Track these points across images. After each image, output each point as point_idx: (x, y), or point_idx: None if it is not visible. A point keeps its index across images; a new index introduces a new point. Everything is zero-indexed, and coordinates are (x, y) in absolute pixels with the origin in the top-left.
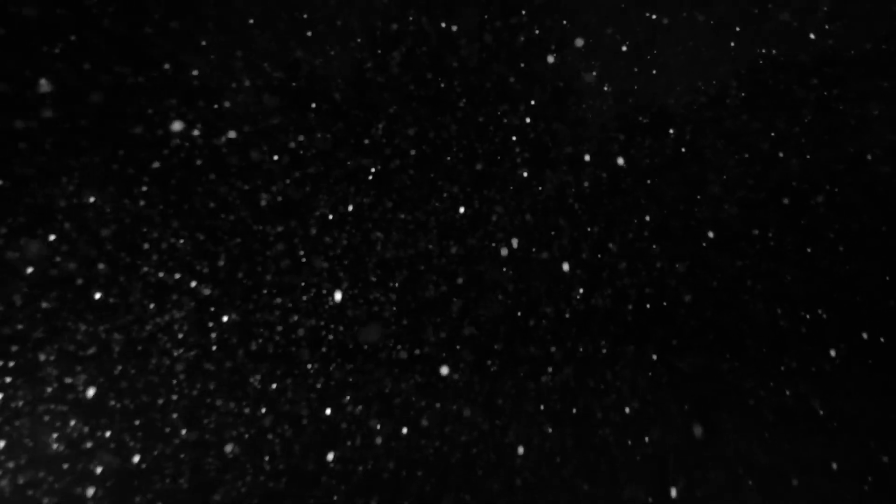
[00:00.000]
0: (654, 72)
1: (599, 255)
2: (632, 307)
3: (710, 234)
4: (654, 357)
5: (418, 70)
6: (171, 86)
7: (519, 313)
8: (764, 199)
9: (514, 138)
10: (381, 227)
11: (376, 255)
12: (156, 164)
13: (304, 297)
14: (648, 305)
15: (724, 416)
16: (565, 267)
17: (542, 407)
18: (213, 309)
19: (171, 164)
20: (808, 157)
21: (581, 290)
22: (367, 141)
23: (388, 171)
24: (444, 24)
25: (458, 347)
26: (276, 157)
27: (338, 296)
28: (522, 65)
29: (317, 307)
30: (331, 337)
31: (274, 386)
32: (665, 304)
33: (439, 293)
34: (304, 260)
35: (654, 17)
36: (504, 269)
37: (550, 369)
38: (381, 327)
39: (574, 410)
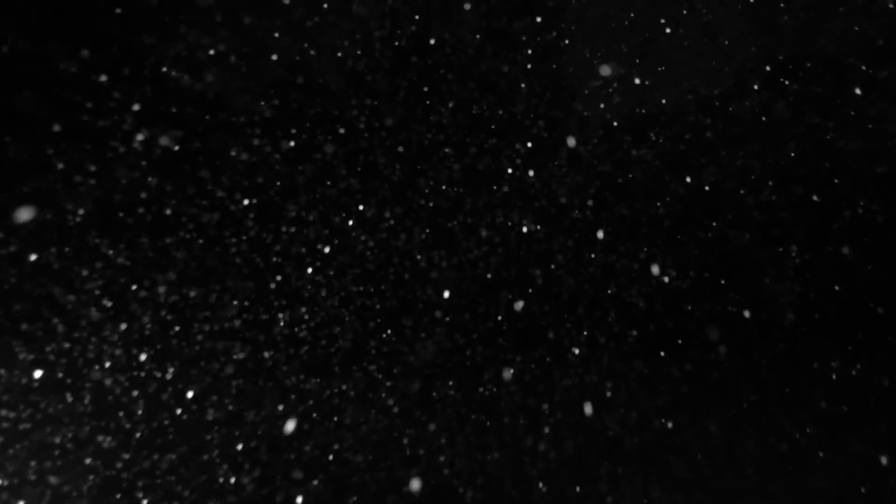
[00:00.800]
0: (663, 68)
1: (605, 266)
2: (641, 326)
3: (728, 245)
4: (664, 381)
5: (404, 54)
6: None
7: (513, 331)
8: (788, 207)
9: (511, 134)
10: (363, 229)
11: (356, 261)
12: (92, 166)
13: (280, 313)
14: (659, 323)
15: (737, 451)
16: (567, 277)
17: (538, 437)
18: (177, 328)
19: (118, 165)
20: (835, 163)
21: (584, 305)
22: (342, 130)
23: (370, 167)
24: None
25: (446, 367)
26: (244, 154)
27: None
28: (519, 57)
29: (292, 321)
30: (305, 350)
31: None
32: (677, 321)
33: (426, 305)
34: (277, 273)
35: (660, 13)
36: (499, 279)
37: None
38: None
39: (573, 442)
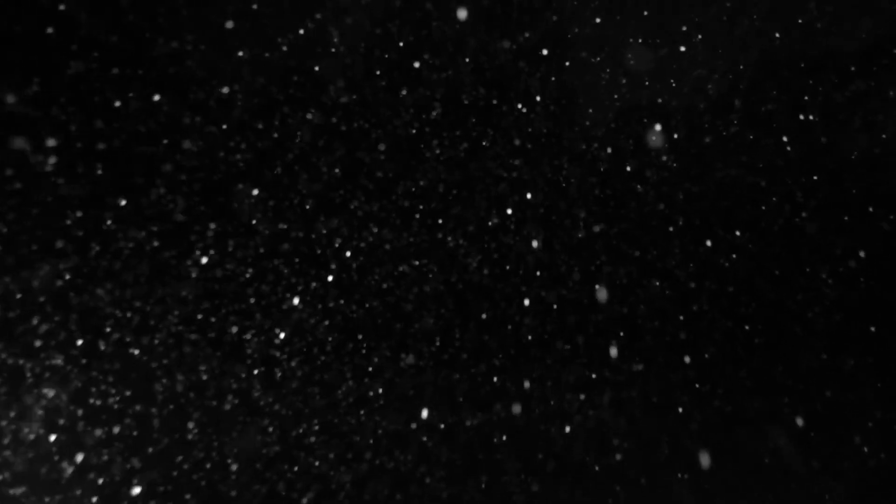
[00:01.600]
0: (676, 62)
1: (610, 277)
2: (648, 348)
3: (749, 255)
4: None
5: (385, 31)
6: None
7: (508, 342)
8: (816, 212)
9: (509, 129)
10: (341, 234)
11: (335, 270)
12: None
13: (251, 331)
14: (670, 344)
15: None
16: (570, 292)
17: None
18: (136, 351)
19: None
20: (862, 164)
21: (589, 325)
22: (314, 121)
23: (349, 164)
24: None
25: (433, 390)
26: (203, 149)
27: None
28: (515, 44)
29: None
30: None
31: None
32: (685, 338)
33: (410, 320)
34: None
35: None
36: (493, 293)
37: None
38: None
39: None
